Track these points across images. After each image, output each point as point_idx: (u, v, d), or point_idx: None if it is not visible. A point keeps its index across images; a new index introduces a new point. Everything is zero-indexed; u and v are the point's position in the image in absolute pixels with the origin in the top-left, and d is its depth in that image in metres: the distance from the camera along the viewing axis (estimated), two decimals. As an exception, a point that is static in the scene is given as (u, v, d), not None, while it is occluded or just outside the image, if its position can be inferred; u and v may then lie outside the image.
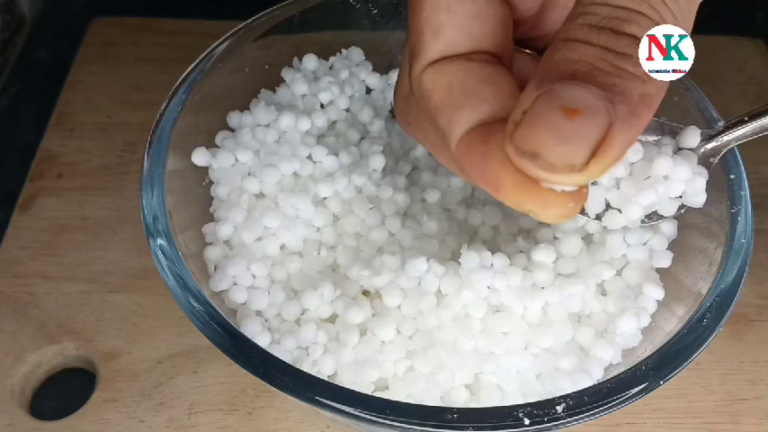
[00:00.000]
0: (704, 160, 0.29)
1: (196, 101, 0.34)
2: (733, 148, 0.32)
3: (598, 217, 0.30)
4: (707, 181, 0.29)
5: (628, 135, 0.20)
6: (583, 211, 0.30)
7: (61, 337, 0.38)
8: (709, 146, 0.29)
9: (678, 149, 0.29)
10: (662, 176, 0.28)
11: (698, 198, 0.29)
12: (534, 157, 0.20)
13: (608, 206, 0.29)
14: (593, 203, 0.29)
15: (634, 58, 0.21)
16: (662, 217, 0.29)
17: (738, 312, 0.40)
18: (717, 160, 0.29)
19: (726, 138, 0.29)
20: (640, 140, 0.29)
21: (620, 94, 0.20)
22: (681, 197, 0.29)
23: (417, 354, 0.31)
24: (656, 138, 0.29)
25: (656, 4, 0.21)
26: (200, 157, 0.35)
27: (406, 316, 0.32)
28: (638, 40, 0.21)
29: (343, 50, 0.41)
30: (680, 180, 0.28)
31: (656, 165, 0.28)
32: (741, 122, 0.28)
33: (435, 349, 0.31)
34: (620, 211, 0.29)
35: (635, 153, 0.28)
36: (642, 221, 0.29)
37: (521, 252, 0.34)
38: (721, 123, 0.29)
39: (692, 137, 0.29)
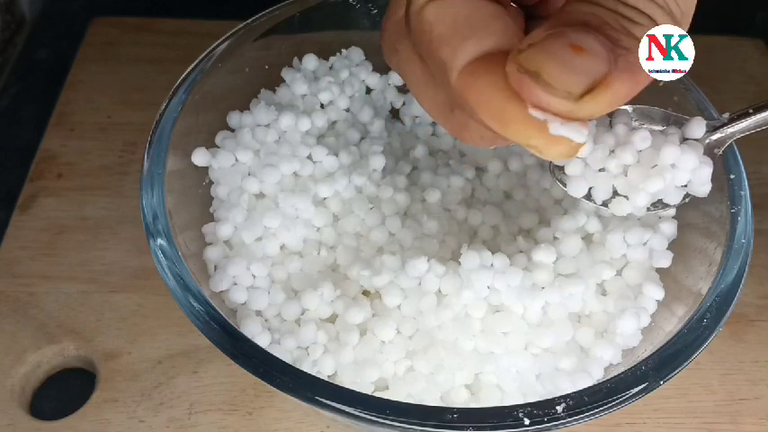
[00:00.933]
0: (709, 151, 0.29)
1: (196, 101, 0.34)
2: (734, 147, 0.32)
3: (605, 204, 0.30)
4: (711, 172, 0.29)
5: (622, 87, 0.21)
6: (590, 198, 0.30)
7: (61, 337, 0.38)
8: (714, 137, 0.29)
9: (684, 140, 0.29)
10: (669, 164, 0.28)
11: (703, 187, 0.29)
12: (535, 75, 0.21)
13: (615, 193, 0.30)
14: (600, 190, 0.30)
15: (643, 27, 0.22)
16: (667, 205, 0.30)
17: (738, 312, 0.40)
18: (721, 152, 0.29)
19: (730, 129, 0.29)
20: (648, 129, 0.29)
21: (624, 51, 0.21)
22: (686, 186, 0.29)
23: (417, 354, 0.31)
24: (662, 127, 0.30)
25: None
26: (200, 157, 0.35)
27: (406, 316, 0.32)
28: (645, 12, 0.22)
29: (343, 50, 0.41)
30: (686, 168, 0.28)
31: (663, 152, 0.28)
32: (746, 115, 0.29)
33: (435, 349, 0.31)
34: (627, 198, 0.29)
35: (643, 141, 0.29)
36: (647, 209, 0.30)
37: (521, 252, 0.34)
38: (726, 115, 0.29)
39: (697, 127, 0.29)
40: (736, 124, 0.29)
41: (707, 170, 0.29)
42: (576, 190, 0.30)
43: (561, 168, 0.31)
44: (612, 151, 0.29)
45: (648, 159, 0.29)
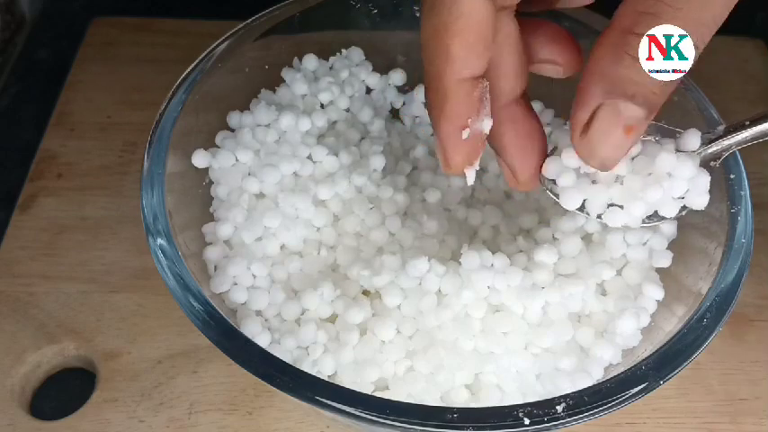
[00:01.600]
0: (705, 164, 0.29)
1: (196, 101, 0.34)
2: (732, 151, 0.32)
3: (599, 216, 0.29)
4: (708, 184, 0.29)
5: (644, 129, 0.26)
6: (583, 210, 0.30)
7: (61, 337, 0.38)
8: (710, 150, 0.29)
9: (677, 152, 0.29)
10: (665, 173, 0.28)
11: (700, 198, 0.29)
12: (592, 157, 0.27)
13: (609, 204, 0.29)
14: (595, 203, 0.29)
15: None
16: (662, 218, 0.29)
17: (738, 312, 0.40)
18: (717, 164, 0.29)
19: (726, 142, 0.29)
20: (641, 139, 0.29)
21: (655, 109, 0.25)
22: (683, 198, 0.29)
23: (417, 354, 0.31)
24: (656, 139, 0.29)
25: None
26: (199, 159, 0.35)
27: (406, 316, 0.32)
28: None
29: (343, 50, 0.41)
30: (683, 177, 0.28)
31: (659, 161, 0.28)
32: (741, 127, 0.28)
33: (435, 349, 0.31)
34: (622, 208, 0.29)
35: (635, 147, 0.28)
36: (643, 221, 0.29)
37: (521, 252, 0.34)
38: (721, 127, 0.29)
39: (692, 139, 0.29)
40: (732, 137, 0.28)
41: (705, 179, 0.28)
42: (569, 202, 0.30)
43: (553, 180, 0.30)
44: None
45: (643, 168, 0.28)
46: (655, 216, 0.29)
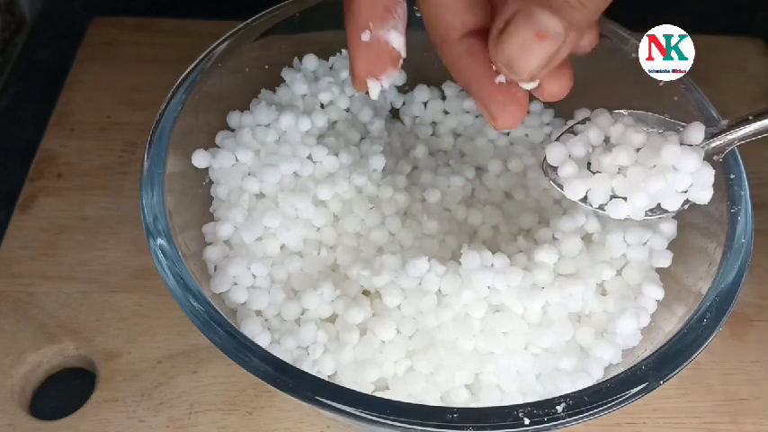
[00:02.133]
0: (708, 158, 0.29)
1: (196, 101, 0.34)
2: (734, 148, 0.32)
3: (601, 207, 0.29)
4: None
5: (570, 48, 0.26)
6: (585, 201, 0.30)
7: (61, 337, 0.38)
8: (713, 144, 0.29)
9: (682, 145, 0.29)
10: (670, 165, 0.28)
11: (704, 192, 0.29)
12: (508, 66, 0.27)
13: (612, 196, 0.29)
14: (597, 194, 0.29)
15: None
16: (665, 211, 0.29)
17: (738, 312, 0.39)
18: (720, 158, 0.29)
19: (730, 136, 0.29)
20: (645, 131, 0.29)
21: (577, 25, 0.26)
22: (686, 192, 0.29)
23: (417, 354, 0.31)
24: (659, 131, 0.29)
25: None
26: (200, 159, 0.35)
27: (406, 316, 0.32)
28: None
29: (343, 50, 0.41)
30: (687, 171, 0.28)
31: (664, 153, 0.28)
32: (745, 121, 0.28)
33: (435, 349, 0.31)
34: (626, 200, 0.29)
35: (638, 138, 0.28)
36: (646, 214, 0.29)
37: (521, 252, 0.34)
38: (725, 122, 0.29)
39: (696, 133, 0.29)
40: (735, 131, 0.28)
41: (709, 173, 0.28)
42: (573, 192, 0.30)
43: (555, 169, 0.30)
44: (609, 150, 0.29)
45: (647, 160, 0.28)
46: (657, 209, 0.29)
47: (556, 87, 0.29)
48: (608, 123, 0.31)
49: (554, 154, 0.31)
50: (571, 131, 0.32)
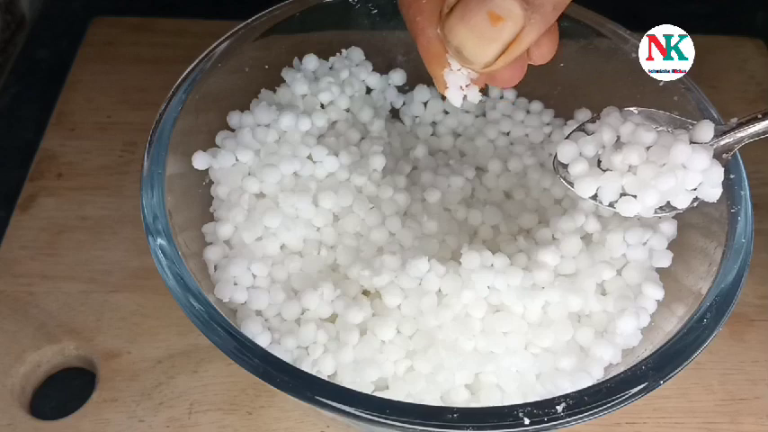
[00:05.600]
0: (717, 156, 0.29)
1: (196, 101, 0.34)
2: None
3: (611, 205, 0.29)
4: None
5: (534, 36, 0.23)
6: (595, 198, 0.30)
7: (61, 337, 0.38)
8: (723, 142, 0.29)
9: (691, 143, 0.29)
10: (680, 164, 0.28)
11: (714, 190, 0.29)
12: (458, 51, 0.24)
13: (622, 194, 0.29)
14: (607, 190, 0.29)
15: None
16: (674, 209, 0.29)
17: (738, 312, 0.40)
18: (729, 156, 0.29)
19: (739, 134, 0.29)
20: (655, 129, 0.29)
21: (540, 6, 0.23)
22: (695, 190, 0.29)
23: (417, 353, 0.31)
24: (669, 130, 0.29)
25: None
26: (200, 161, 0.35)
27: (406, 316, 0.32)
28: None
29: (343, 50, 0.41)
30: (697, 169, 0.28)
31: (674, 151, 0.28)
32: (754, 120, 0.28)
33: (435, 349, 0.31)
34: (635, 197, 0.29)
35: (649, 137, 0.28)
36: (655, 211, 0.29)
37: (521, 252, 0.34)
38: (734, 120, 0.29)
39: (706, 131, 0.29)
40: (744, 129, 0.28)
41: (718, 171, 0.28)
42: (584, 190, 0.30)
43: (566, 166, 0.30)
44: (619, 149, 0.29)
45: (658, 158, 0.28)
46: (667, 207, 0.29)
47: (507, 73, 0.26)
48: (618, 122, 0.31)
49: (565, 152, 0.30)
50: (582, 130, 0.32)
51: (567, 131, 0.29)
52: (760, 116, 0.28)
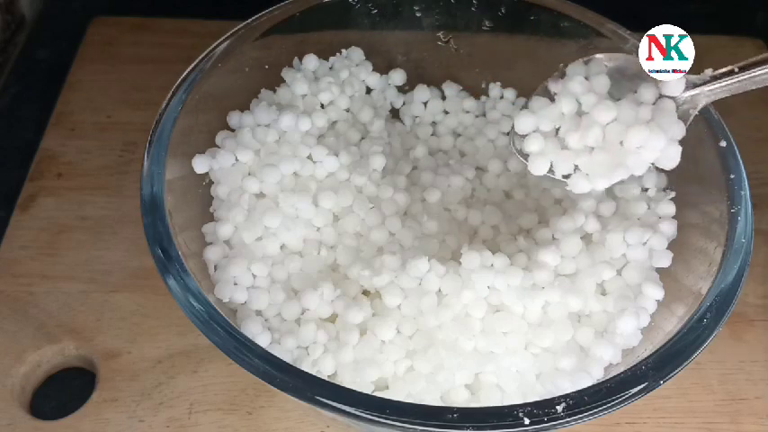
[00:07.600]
0: (683, 113, 0.28)
1: (196, 101, 0.34)
2: (733, 147, 0.32)
3: (565, 178, 0.30)
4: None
5: None
6: (550, 170, 0.30)
7: (61, 337, 0.38)
8: (691, 93, 0.28)
9: (660, 96, 0.28)
10: (635, 147, 0.28)
11: (671, 163, 0.29)
12: None
13: (576, 168, 0.29)
14: (562, 165, 0.29)
15: None
16: (632, 176, 0.29)
17: (738, 312, 0.40)
18: (696, 112, 0.28)
19: (709, 87, 0.28)
20: (616, 99, 0.28)
21: None
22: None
23: (417, 353, 0.31)
24: (637, 84, 0.29)
25: None
26: (200, 164, 0.34)
27: (406, 316, 0.32)
28: None
29: (343, 50, 0.41)
30: (655, 149, 0.28)
31: (630, 135, 0.27)
32: (730, 73, 0.27)
33: (435, 349, 0.31)
34: (588, 175, 0.29)
35: (608, 113, 0.28)
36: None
37: (521, 252, 0.34)
38: (708, 71, 0.28)
39: (676, 84, 0.28)
40: (717, 82, 0.28)
41: (676, 150, 0.28)
42: (537, 168, 0.30)
43: (522, 137, 0.30)
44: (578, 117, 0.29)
45: (616, 134, 0.28)
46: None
47: None
48: (582, 88, 0.30)
49: (522, 123, 0.30)
50: (547, 93, 0.31)
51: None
52: (736, 69, 0.27)
